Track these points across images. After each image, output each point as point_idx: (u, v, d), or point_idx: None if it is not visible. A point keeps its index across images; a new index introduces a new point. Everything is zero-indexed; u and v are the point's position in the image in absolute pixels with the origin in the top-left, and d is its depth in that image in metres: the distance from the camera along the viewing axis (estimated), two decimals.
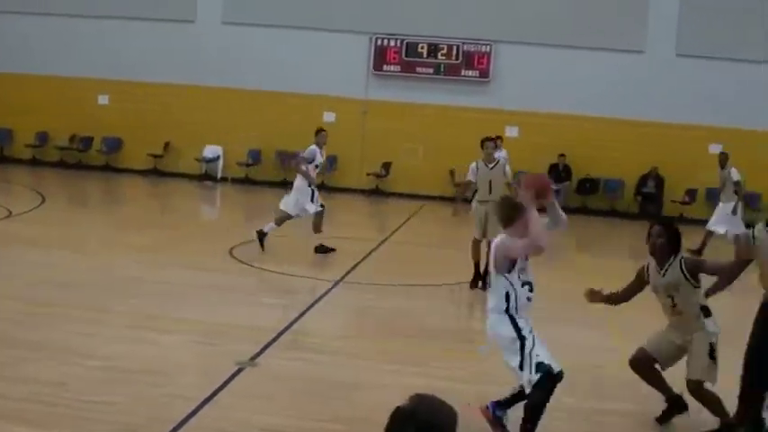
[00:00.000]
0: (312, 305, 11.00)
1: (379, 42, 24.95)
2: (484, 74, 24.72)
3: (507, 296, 6.54)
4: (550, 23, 24.09)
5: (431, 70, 24.88)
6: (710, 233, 17.57)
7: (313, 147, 14.77)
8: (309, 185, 14.59)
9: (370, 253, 15.16)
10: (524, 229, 6.42)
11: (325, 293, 11.75)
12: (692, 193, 23.78)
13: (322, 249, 14.51)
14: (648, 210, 24.03)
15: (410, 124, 24.69)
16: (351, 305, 11.77)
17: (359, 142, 24.69)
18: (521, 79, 24.30)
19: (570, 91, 23.96)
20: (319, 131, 14.98)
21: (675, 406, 7.38)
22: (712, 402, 7.04)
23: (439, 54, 24.81)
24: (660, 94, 23.73)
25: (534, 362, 6.42)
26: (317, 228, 14.62)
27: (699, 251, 16.98)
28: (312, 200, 14.56)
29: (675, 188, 24.00)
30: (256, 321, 9.91)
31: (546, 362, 6.43)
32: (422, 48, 24.82)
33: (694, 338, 7.07)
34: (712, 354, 6.98)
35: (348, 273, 13.23)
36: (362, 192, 24.90)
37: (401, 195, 24.34)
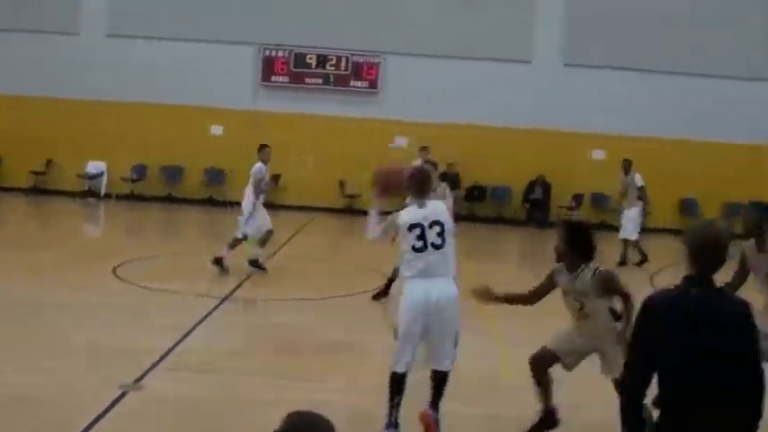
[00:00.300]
0: (198, 323, 10.73)
1: (267, 53, 24.78)
2: (373, 84, 24.79)
3: None
4: (439, 34, 24.32)
5: (320, 81, 24.84)
6: (626, 242, 17.94)
7: (259, 164, 14.49)
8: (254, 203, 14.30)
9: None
10: None
11: (213, 311, 11.50)
12: (578, 199, 24.25)
13: (256, 264, 14.34)
14: (536, 216, 24.43)
15: (300, 135, 24.52)
16: (238, 322, 11.57)
17: (247, 154, 24.33)
18: (410, 90, 24.44)
19: (459, 100, 24.22)
20: (263, 148, 14.72)
21: (546, 421, 7.10)
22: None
23: (328, 65, 24.78)
24: (547, 103, 24.20)
25: None
26: (234, 246, 14.30)
27: (622, 263, 17.50)
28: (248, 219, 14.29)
29: (562, 194, 24.44)
30: (141, 342, 9.60)
31: None
32: (310, 58, 24.74)
33: (607, 342, 6.78)
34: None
35: (236, 289, 13.01)
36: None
37: (291, 208, 24.12)
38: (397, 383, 6.87)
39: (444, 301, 6.82)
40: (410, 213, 6.99)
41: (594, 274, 6.71)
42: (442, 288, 6.84)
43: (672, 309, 4.18)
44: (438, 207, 7.07)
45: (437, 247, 6.84)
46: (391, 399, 6.87)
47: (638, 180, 17.95)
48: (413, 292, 6.84)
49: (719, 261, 4.25)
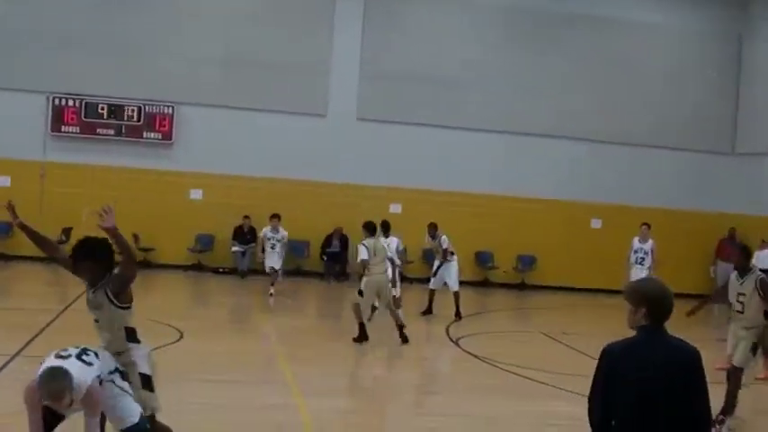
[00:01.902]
0: None
1: (57, 102, 23.99)
2: (167, 136, 24.43)
3: None
4: (233, 86, 24.38)
5: (112, 131, 24.25)
6: (433, 291, 18.88)
7: None
8: None
9: (49, 323, 14.37)
10: None
11: (1, 369, 10.97)
12: None
13: None
14: (334, 269, 24.67)
15: (92, 188, 23.77)
16: (28, 380, 11.03)
17: (36, 207, 23.48)
18: (204, 141, 24.36)
19: (254, 153, 24.32)
20: None
21: None
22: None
23: (120, 115, 24.23)
24: (342, 156, 24.61)
25: None
26: None
27: (428, 311, 18.68)
28: None
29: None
30: None
31: None
32: (102, 108, 24.13)
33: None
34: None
35: (26, 345, 12.45)
36: (41, 260, 23.58)
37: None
38: None
39: None
40: None
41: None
42: None
43: (626, 354, 4.85)
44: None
45: None
46: None
47: (445, 242, 18.71)
48: None
49: (669, 311, 4.92)
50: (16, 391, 10.25)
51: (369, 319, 15.89)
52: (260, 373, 11.88)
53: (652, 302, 4.94)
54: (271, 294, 20.17)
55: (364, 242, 15.48)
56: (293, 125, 24.65)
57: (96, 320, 6.89)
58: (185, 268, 24.30)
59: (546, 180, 25.50)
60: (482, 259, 25.50)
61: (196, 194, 24.19)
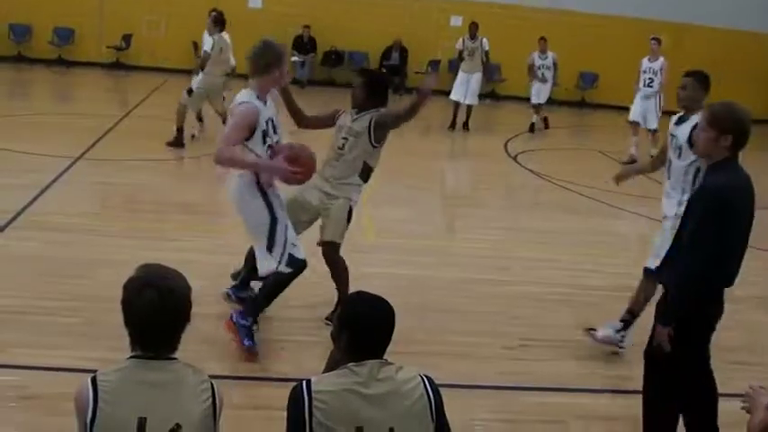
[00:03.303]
0: (51, 184, 10.49)
1: None
2: None
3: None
4: None
5: None
6: (457, 104, 18.22)
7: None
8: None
9: (111, 129, 14.59)
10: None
11: (65, 171, 11.23)
12: (434, 65, 24.39)
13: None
14: (393, 81, 24.47)
15: None
16: (91, 182, 11.31)
17: (96, 13, 23.42)
18: None
19: None
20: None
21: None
22: (342, 269, 6.91)
23: None
24: None
25: (287, 252, 6.14)
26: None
27: (452, 125, 18.23)
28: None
29: (418, 59, 24.53)
30: None
31: (299, 256, 6.18)
32: None
33: (336, 205, 6.83)
34: (349, 218, 6.88)
35: (89, 149, 12.69)
36: (102, 66, 23.73)
37: (143, 69, 23.40)
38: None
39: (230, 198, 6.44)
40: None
41: (373, 117, 6.81)
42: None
43: (737, 190, 4.52)
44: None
45: None
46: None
47: (486, 44, 18.22)
48: None
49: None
50: (81, 192, 10.62)
51: (197, 132, 14.52)
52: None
53: (741, 131, 4.49)
54: None
55: (214, 36, 13.65)
56: None
57: (340, 147, 6.87)
58: (244, 77, 24.23)
59: None
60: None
61: (255, 3, 23.88)
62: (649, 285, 6.59)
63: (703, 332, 4.72)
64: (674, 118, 6.62)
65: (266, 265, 6.15)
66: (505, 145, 16.87)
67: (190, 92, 13.69)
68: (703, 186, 4.60)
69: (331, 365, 3.62)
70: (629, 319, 6.76)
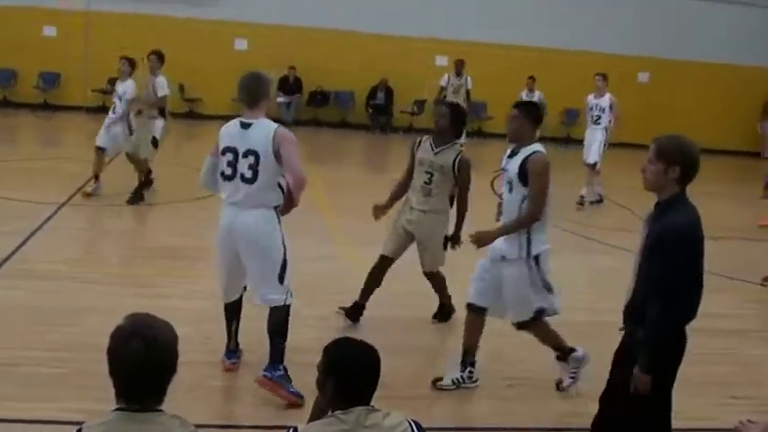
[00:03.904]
0: (36, 230, 10.46)
1: None
2: None
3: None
4: None
5: None
6: None
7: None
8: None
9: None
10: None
11: (50, 217, 11.21)
12: (419, 104, 24.53)
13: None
14: (379, 121, 24.62)
15: (138, 38, 23.64)
16: (76, 227, 11.32)
17: (81, 57, 23.49)
18: None
19: (299, 2, 23.83)
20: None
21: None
22: (443, 280, 8.02)
23: None
24: (388, 7, 24.09)
25: (290, 282, 6.25)
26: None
27: None
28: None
29: (404, 99, 24.66)
30: None
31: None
32: None
33: (431, 237, 7.69)
34: (445, 244, 7.72)
35: (74, 195, 12.68)
36: (87, 109, 23.75)
37: None
38: (227, 312, 6.71)
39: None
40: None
41: (459, 156, 7.58)
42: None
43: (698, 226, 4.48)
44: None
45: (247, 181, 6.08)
46: (227, 327, 6.73)
47: (469, 82, 18.32)
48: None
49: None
50: (66, 238, 10.59)
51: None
52: (304, 223, 11.93)
53: (690, 163, 4.46)
54: None
55: (159, 76, 13.19)
56: None
57: (427, 182, 7.62)
58: (230, 118, 24.28)
59: (594, 33, 24.82)
60: None
61: (241, 45, 24.00)
62: (477, 319, 6.72)
63: (675, 368, 4.69)
64: (507, 151, 6.54)
65: (276, 296, 6.19)
66: (492, 183, 16.88)
67: (155, 142, 13.01)
68: (668, 228, 4.45)
69: (316, 413, 3.61)
70: (468, 360, 6.76)
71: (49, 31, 23.48)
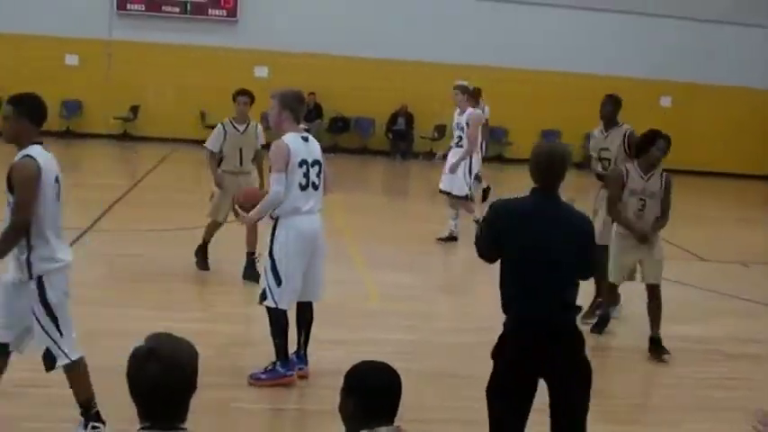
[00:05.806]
0: None
1: None
2: (231, 13, 24.31)
3: None
4: None
5: (177, 9, 24.17)
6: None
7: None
8: None
9: (119, 199, 14.64)
10: None
11: (73, 242, 11.21)
12: (440, 129, 24.50)
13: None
14: (399, 147, 24.64)
15: (158, 66, 23.88)
16: (98, 252, 11.32)
17: (103, 85, 23.67)
18: (269, 18, 24.06)
19: (319, 30, 23.96)
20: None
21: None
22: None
23: None
24: (407, 33, 24.16)
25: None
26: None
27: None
28: None
29: (424, 125, 24.67)
30: None
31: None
32: None
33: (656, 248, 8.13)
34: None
35: (97, 221, 12.72)
36: (110, 137, 23.91)
37: (151, 139, 23.59)
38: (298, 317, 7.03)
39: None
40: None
41: (665, 175, 8.09)
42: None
43: (512, 210, 5.09)
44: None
45: (316, 188, 6.89)
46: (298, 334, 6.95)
47: (487, 111, 18.06)
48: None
49: (556, 176, 5.00)
50: (88, 263, 10.59)
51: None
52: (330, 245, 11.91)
53: (531, 170, 5.08)
54: None
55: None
56: (357, 2, 24.30)
57: (640, 209, 8.06)
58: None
59: (609, 55, 24.77)
60: (546, 137, 25.10)
61: (261, 72, 24.11)
62: None
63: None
64: None
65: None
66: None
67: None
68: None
69: None
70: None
71: (71, 59, 23.67)
